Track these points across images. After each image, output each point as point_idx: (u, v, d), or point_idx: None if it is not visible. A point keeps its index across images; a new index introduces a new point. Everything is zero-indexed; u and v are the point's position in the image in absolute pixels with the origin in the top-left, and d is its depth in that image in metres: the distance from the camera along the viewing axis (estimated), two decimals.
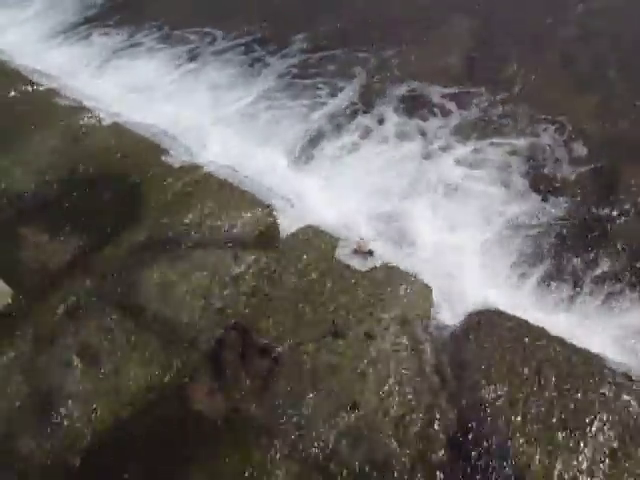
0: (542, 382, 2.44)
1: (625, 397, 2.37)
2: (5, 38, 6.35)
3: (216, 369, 2.63)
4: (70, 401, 2.59)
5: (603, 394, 2.38)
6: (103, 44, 5.97)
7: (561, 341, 2.59)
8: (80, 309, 2.93)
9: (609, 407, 2.34)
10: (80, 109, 4.46)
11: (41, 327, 2.88)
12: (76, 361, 2.72)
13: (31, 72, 5.23)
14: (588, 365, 2.49)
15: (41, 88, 4.87)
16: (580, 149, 3.74)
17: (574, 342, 2.59)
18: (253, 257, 3.09)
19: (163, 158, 3.82)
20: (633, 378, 2.43)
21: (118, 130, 4.20)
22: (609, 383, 2.42)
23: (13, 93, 4.83)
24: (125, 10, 6.71)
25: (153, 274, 3.03)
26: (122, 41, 5.98)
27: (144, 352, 2.72)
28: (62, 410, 2.56)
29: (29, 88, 4.89)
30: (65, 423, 2.53)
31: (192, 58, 5.45)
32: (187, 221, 3.31)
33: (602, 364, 2.50)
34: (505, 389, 2.44)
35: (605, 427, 2.30)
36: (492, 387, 2.45)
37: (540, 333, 2.61)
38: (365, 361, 2.55)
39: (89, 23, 6.54)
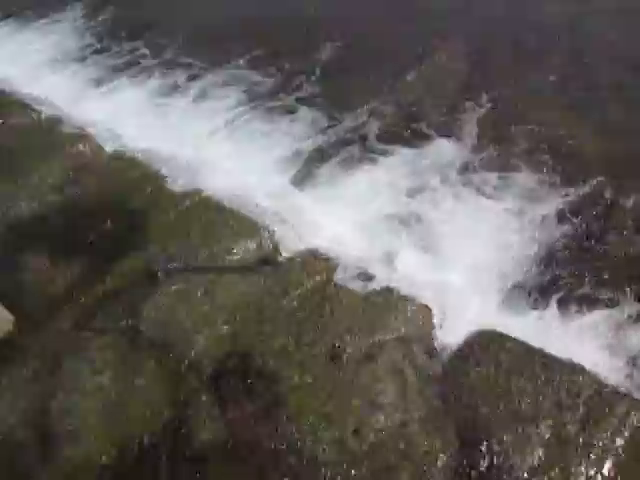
0: (543, 403, 2.43)
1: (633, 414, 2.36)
2: (7, 67, 6.46)
3: (216, 394, 2.62)
4: (71, 427, 2.58)
5: (610, 414, 2.38)
6: (103, 71, 6.07)
7: (561, 362, 2.59)
8: (81, 335, 2.93)
9: (615, 427, 2.34)
10: (81, 136, 4.52)
11: (42, 354, 2.88)
12: (77, 388, 2.71)
13: (33, 100, 5.32)
14: (592, 385, 2.48)
15: (43, 115, 4.95)
16: (577, 168, 3.78)
17: (573, 360, 2.60)
18: (253, 281, 3.11)
19: (164, 184, 3.87)
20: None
21: (119, 156, 4.26)
22: (615, 403, 2.41)
23: (15, 120, 4.90)
24: (125, 36, 6.85)
25: (153, 299, 3.04)
26: (121, 68, 6.09)
27: (145, 377, 2.72)
28: (63, 436, 2.55)
29: (31, 115, 4.96)
30: (66, 450, 2.51)
31: (192, 83, 5.54)
32: (187, 246, 3.33)
33: (606, 385, 2.50)
34: (506, 410, 2.43)
35: (612, 444, 2.29)
36: (493, 409, 2.45)
37: (540, 354, 2.61)
38: (366, 384, 2.55)
39: (89, 50, 6.68)
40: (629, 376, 2.59)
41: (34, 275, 3.33)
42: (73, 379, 2.75)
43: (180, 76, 5.69)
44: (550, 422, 2.38)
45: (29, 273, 3.35)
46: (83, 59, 6.47)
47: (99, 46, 6.73)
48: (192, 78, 5.62)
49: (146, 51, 6.36)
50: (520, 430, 2.36)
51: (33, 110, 5.02)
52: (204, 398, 2.61)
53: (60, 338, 2.95)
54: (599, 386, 2.47)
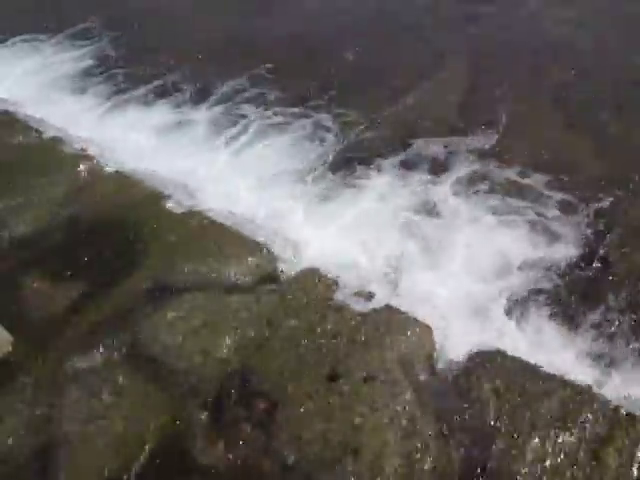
0: (547, 422, 2.41)
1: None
2: (10, 88, 6.53)
3: (215, 416, 2.60)
4: (70, 451, 2.56)
5: (613, 434, 2.35)
6: (105, 92, 6.13)
7: (564, 380, 2.57)
8: (82, 357, 2.92)
9: (619, 448, 2.31)
10: (83, 157, 4.55)
11: (42, 376, 2.87)
12: (76, 410, 2.70)
13: (35, 120, 5.36)
14: (595, 404, 2.46)
15: (45, 136, 4.98)
16: (576, 187, 3.78)
17: (576, 380, 2.58)
18: (253, 300, 3.10)
19: (165, 204, 3.87)
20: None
21: (120, 177, 4.28)
22: (617, 423, 2.39)
23: (17, 141, 4.94)
24: (127, 58, 6.93)
25: (153, 321, 3.04)
26: (123, 89, 6.15)
27: (144, 400, 2.70)
28: (62, 461, 2.53)
29: (33, 136, 5.00)
30: (64, 475, 2.49)
31: (192, 104, 5.59)
32: (188, 267, 3.33)
33: (608, 403, 2.47)
34: (510, 432, 2.41)
35: (616, 464, 2.26)
36: (496, 429, 2.42)
37: (543, 373, 2.59)
38: (367, 405, 2.53)
39: (91, 72, 6.75)
40: (628, 396, 2.57)
41: (34, 295, 3.33)
42: (72, 402, 2.73)
43: (181, 96, 5.75)
44: (553, 441, 2.35)
45: (29, 293, 3.34)
46: (86, 81, 6.53)
47: (102, 68, 6.79)
48: (192, 99, 5.68)
49: (147, 72, 6.42)
50: (524, 450, 2.34)
51: (35, 130, 5.06)
52: (203, 420, 2.60)
53: (60, 360, 2.93)
54: (602, 405, 2.45)
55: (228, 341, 2.89)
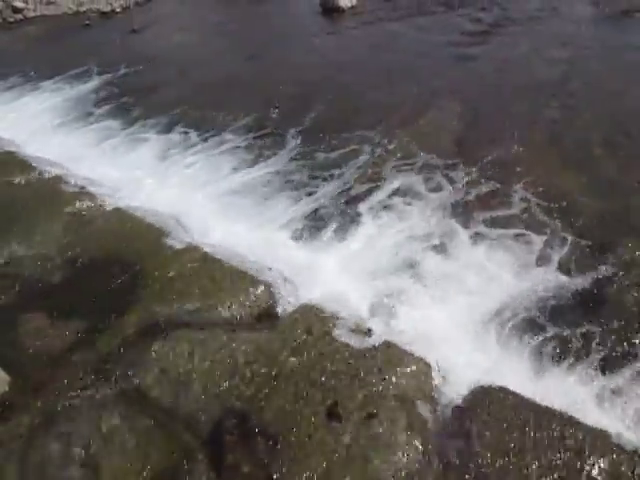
0: (546, 458, 2.38)
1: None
2: (9, 128, 6.65)
3: (215, 454, 2.56)
4: None
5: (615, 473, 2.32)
6: (104, 132, 6.25)
7: (567, 418, 2.54)
8: (79, 396, 2.89)
9: None
10: (84, 194, 4.60)
11: (39, 416, 2.83)
12: (73, 450, 2.65)
13: (36, 159, 5.44)
14: (596, 441, 2.43)
15: (46, 175, 5.05)
16: (570, 225, 3.81)
17: (579, 417, 2.55)
18: (252, 337, 3.08)
19: (164, 241, 3.91)
20: None
21: (120, 214, 4.32)
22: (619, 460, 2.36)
23: (19, 180, 5.00)
24: (125, 98, 7.09)
25: (152, 357, 3.01)
26: (122, 128, 6.27)
27: (142, 437, 2.66)
28: None
29: (35, 175, 5.06)
30: None
31: (190, 142, 5.69)
32: (187, 303, 3.33)
33: (611, 441, 2.44)
34: (508, 466, 2.37)
35: None
36: (495, 465, 2.39)
37: (542, 409, 2.57)
38: (367, 443, 2.49)
39: (91, 111, 6.89)
40: (630, 428, 2.54)
41: (32, 334, 3.31)
42: (69, 442, 2.69)
43: (178, 135, 5.89)
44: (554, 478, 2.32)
45: (27, 332, 3.33)
46: (85, 120, 6.67)
47: (101, 108, 6.95)
48: (190, 138, 5.79)
49: (146, 112, 6.56)
50: None
51: (37, 169, 5.13)
52: (200, 457, 2.55)
53: (57, 399, 2.90)
54: (603, 442, 2.42)
55: (227, 378, 2.87)
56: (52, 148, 5.92)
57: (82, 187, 4.77)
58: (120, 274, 3.63)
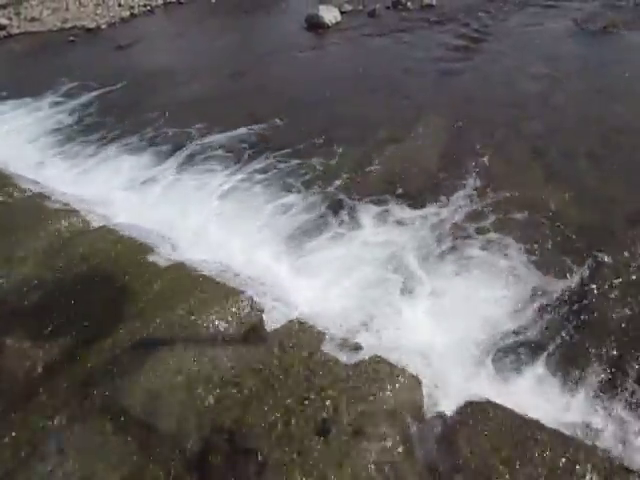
0: (537, 474, 2.36)
1: None
2: None
3: (201, 472, 2.51)
4: None
5: None
6: (89, 149, 6.23)
7: (558, 433, 2.53)
8: (61, 417, 2.83)
9: None
10: (68, 212, 4.55)
11: (19, 439, 2.76)
12: (55, 472, 2.59)
13: (20, 177, 5.39)
14: (588, 457, 2.42)
15: (30, 193, 4.99)
16: (555, 238, 3.83)
17: (570, 432, 2.54)
18: (239, 354, 3.05)
19: (149, 257, 3.86)
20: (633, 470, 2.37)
21: (105, 231, 4.27)
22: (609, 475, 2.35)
23: (2, 198, 4.94)
24: (110, 115, 7.10)
25: (137, 376, 2.96)
26: (107, 145, 6.25)
27: (125, 457, 2.60)
28: None
29: (19, 193, 5.01)
30: None
31: (175, 159, 5.68)
32: (173, 320, 3.28)
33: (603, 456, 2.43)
34: None
35: None
36: None
37: (533, 423, 2.56)
38: (356, 458, 2.46)
39: (75, 129, 6.88)
40: (622, 442, 2.54)
41: (14, 355, 3.24)
42: (51, 466, 2.62)
43: (163, 152, 5.89)
44: None
45: (8, 353, 3.26)
46: (70, 137, 6.66)
47: (85, 125, 6.94)
48: (175, 154, 5.79)
49: (130, 128, 6.55)
50: None
51: (20, 187, 5.08)
52: (187, 479, 2.50)
53: (38, 422, 2.83)
54: (596, 458, 2.41)
55: (214, 396, 2.82)
56: (36, 167, 5.91)
57: (67, 204, 4.72)
58: (104, 291, 3.57)
